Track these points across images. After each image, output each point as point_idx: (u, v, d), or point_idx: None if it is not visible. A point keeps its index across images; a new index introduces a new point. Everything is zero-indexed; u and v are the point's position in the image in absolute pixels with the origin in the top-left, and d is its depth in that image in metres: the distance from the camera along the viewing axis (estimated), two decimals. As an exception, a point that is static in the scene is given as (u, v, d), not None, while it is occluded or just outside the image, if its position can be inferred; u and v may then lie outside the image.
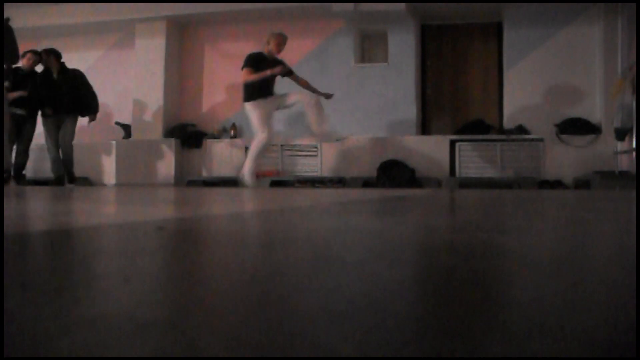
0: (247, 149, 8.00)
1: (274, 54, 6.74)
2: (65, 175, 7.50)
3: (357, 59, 8.58)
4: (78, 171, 7.93)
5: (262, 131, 6.63)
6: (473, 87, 8.61)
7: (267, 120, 6.65)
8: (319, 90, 6.92)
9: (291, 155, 8.24)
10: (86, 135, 8.78)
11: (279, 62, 6.72)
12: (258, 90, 6.63)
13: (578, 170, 7.45)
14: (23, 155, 7.56)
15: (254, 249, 1.00)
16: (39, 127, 7.56)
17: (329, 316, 0.47)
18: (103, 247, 1.06)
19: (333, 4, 8.04)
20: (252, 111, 6.65)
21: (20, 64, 7.44)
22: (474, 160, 7.78)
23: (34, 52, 7.67)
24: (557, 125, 7.70)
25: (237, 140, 8.56)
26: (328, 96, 6.90)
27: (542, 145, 7.64)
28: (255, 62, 6.59)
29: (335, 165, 8.16)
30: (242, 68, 6.63)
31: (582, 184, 7.12)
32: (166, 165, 8.57)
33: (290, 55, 7.44)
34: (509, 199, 3.48)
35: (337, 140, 7.05)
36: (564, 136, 7.64)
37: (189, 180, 8.36)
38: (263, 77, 6.52)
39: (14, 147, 7.42)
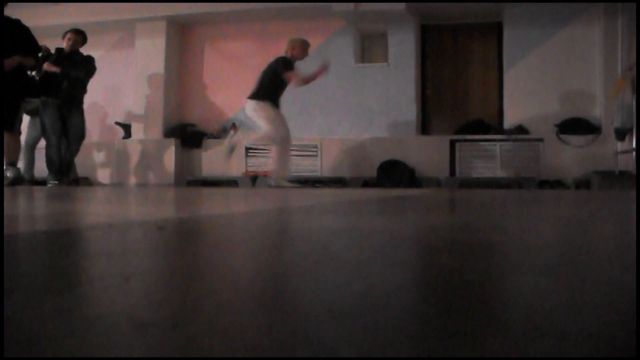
0: (247, 148, 8.00)
1: (297, 60, 6.77)
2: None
3: (357, 59, 8.58)
4: (79, 171, 7.93)
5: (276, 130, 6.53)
6: (473, 87, 8.61)
7: (278, 121, 6.59)
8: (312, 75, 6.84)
9: (291, 155, 8.24)
10: (86, 135, 8.79)
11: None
12: (274, 96, 6.64)
13: (578, 170, 7.45)
14: (70, 150, 6.90)
15: (254, 249, 1.00)
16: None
17: (329, 316, 0.47)
18: (103, 247, 1.06)
19: (333, 4, 8.04)
20: (259, 110, 6.59)
21: (63, 45, 6.99)
22: (474, 160, 7.78)
23: (76, 32, 7.07)
24: (557, 125, 7.70)
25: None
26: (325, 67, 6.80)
27: (542, 145, 7.65)
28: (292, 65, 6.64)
29: (335, 165, 8.16)
30: (286, 70, 6.57)
31: (582, 184, 7.12)
32: (166, 165, 8.58)
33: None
34: (509, 199, 3.48)
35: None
36: (564, 136, 7.64)
37: (189, 180, 8.36)
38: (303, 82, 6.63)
39: (51, 142, 6.80)
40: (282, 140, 6.59)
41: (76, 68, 6.85)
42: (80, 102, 7.00)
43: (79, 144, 6.97)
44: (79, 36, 7.05)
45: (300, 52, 6.78)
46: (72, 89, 6.83)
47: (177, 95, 9.13)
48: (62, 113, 6.81)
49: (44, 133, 6.88)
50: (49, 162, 6.83)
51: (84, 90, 7.07)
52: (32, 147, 7.51)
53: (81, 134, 6.98)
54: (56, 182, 6.75)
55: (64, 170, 6.89)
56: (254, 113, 6.65)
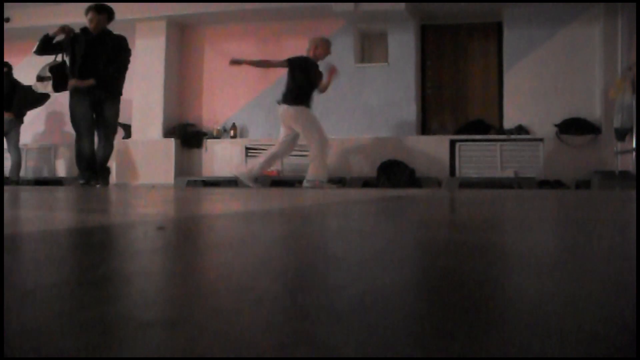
0: (247, 148, 7.99)
1: (319, 60, 6.69)
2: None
3: (357, 59, 8.58)
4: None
5: (319, 135, 6.41)
6: (473, 87, 8.61)
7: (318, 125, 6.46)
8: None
9: (292, 155, 8.24)
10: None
11: (319, 71, 6.68)
12: (306, 96, 6.47)
13: (578, 170, 7.45)
14: (105, 146, 6.17)
15: (254, 249, 1.00)
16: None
17: (329, 316, 0.47)
18: (103, 247, 1.06)
19: (333, 4, 8.04)
20: (299, 116, 6.42)
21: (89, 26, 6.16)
22: (474, 160, 7.78)
23: (97, 11, 6.05)
24: (557, 125, 7.70)
25: (237, 140, 8.57)
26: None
27: (542, 145, 7.65)
28: (304, 65, 6.50)
29: (335, 165, 8.16)
30: (319, 75, 6.52)
31: (582, 184, 7.12)
32: (166, 165, 8.58)
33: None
34: (509, 199, 3.48)
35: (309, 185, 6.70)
36: (564, 136, 7.64)
37: (189, 180, 8.36)
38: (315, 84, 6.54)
39: (81, 137, 6.06)
40: (326, 141, 6.55)
41: (108, 61, 6.07)
42: (117, 92, 6.24)
43: (110, 137, 6.24)
44: (102, 15, 6.08)
45: (323, 52, 6.70)
46: (107, 81, 6.09)
47: (177, 95, 9.13)
48: (95, 102, 6.05)
49: (72, 123, 6.13)
50: (77, 158, 6.12)
51: (122, 80, 6.30)
52: (16, 146, 7.35)
53: (112, 125, 6.24)
54: (82, 181, 6.08)
55: (100, 168, 6.18)
56: (296, 121, 6.39)
